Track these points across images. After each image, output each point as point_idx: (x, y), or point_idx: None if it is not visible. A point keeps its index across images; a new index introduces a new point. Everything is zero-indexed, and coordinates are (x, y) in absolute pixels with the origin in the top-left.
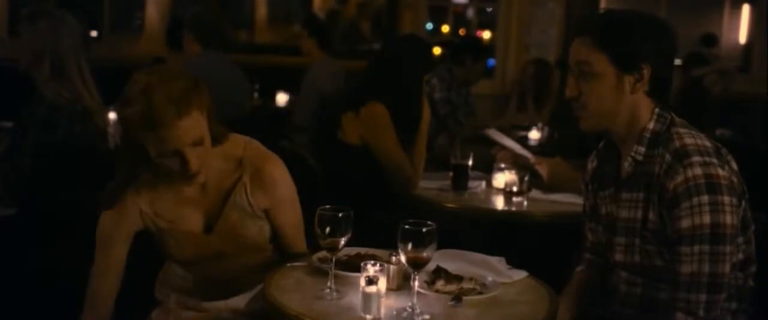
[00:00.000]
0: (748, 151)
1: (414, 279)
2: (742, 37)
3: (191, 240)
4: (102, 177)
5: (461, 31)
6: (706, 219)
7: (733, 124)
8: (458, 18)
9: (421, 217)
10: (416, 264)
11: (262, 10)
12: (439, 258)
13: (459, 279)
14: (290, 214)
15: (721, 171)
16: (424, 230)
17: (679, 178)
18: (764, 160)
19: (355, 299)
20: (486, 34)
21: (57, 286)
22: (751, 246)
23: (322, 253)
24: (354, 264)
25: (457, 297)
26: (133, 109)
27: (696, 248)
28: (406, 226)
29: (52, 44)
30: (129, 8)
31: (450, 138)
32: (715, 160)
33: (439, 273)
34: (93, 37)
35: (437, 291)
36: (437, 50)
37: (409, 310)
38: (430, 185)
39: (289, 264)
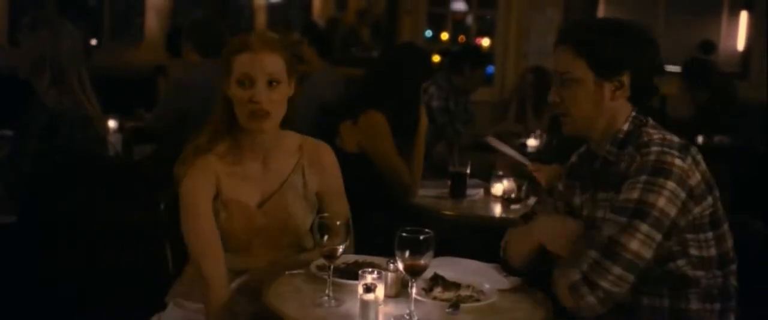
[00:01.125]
0: (746, 157)
1: (411, 287)
2: (741, 44)
3: (243, 213)
4: (101, 184)
5: (460, 38)
6: (635, 194)
7: (731, 130)
8: (457, 25)
9: (419, 225)
10: (414, 271)
11: (261, 18)
12: (435, 267)
13: (456, 286)
14: (340, 202)
15: (676, 161)
16: (421, 237)
17: (635, 164)
18: (763, 166)
19: (353, 307)
20: (485, 42)
21: (57, 291)
22: (726, 244)
23: (321, 261)
24: (352, 272)
25: (455, 305)
26: (235, 40)
27: (614, 216)
28: (404, 234)
29: (52, 52)
30: (129, 16)
31: (448, 146)
32: (674, 151)
33: (437, 280)
34: (93, 45)
35: (435, 298)
36: (436, 58)
37: (407, 317)
38: (429, 193)
39: (287, 272)
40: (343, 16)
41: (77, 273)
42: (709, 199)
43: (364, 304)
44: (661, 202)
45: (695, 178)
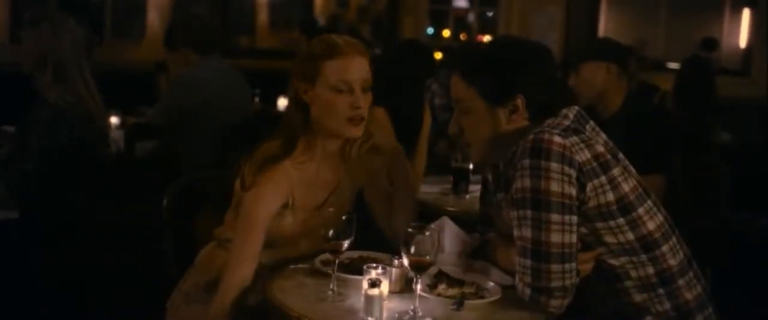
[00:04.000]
0: (747, 154)
1: (416, 283)
2: (743, 41)
3: (305, 216)
4: (103, 181)
5: (462, 36)
6: (526, 182)
7: (732, 128)
8: (459, 22)
9: (422, 221)
10: (419, 267)
11: (263, 15)
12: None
13: (461, 283)
14: (384, 198)
15: (556, 138)
16: (427, 233)
17: (519, 150)
18: (763, 164)
19: (357, 302)
20: (487, 39)
21: (58, 288)
22: (645, 227)
23: (325, 256)
24: (356, 267)
25: (459, 301)
26: (318, 44)
27: (520, 212)
28: (409, 230)
29: (54, 48)
30: (130, 13)
31: (450, 142)
32: (554, 130)
33: (441, 277)
34: (94, 42)
35: (439, 294)
36: (438, 55)
37: (411, 313)
38: (431, 189)
39: (291, 267)
40: (344, 13)
41: (78, 270)
42: (603, 178)
43: (369, 299)
44: (554, 186)
45: (583, 155)
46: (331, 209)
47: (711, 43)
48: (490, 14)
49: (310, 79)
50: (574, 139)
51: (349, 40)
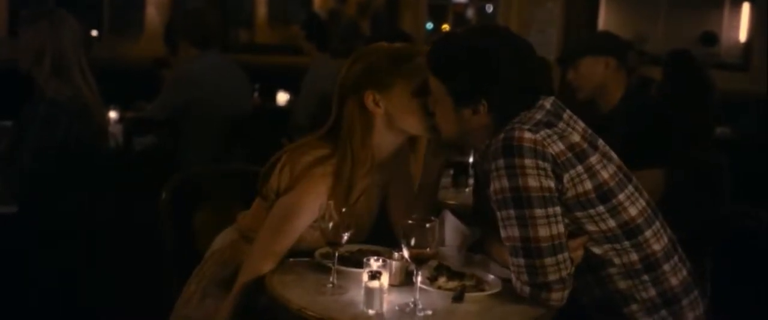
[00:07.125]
0: (747, 150)
1: (416, 275)
2: (742, 36)
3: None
4: (101, 175)
5: None
6: (505, 183)
7: (732, 122)
8: (458, 17)
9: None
10: (419, 259)
11: (262, 10)
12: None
13: (461, 275)
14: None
15: (526, 134)
16: (427, 226)
17: (491, 149)
18: (763, 159)
19: (357, 294)
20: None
21: (56, 282)
22: (626, 214)
23: (325, 249)
24: (356, 260)
25: (459, 294)
26: (376, 55)
27: (503, 213)
28: (409, 222)
29: (53, 42)
30: (129, 9)
31: None
32: (524, 126)
33: (441, 269)
34: (93, 38)
35: (439, 287)
36: None
37: (412, 306)
38: None
39: (291, 260)
40: (343, 8)
41: (76, 264)
42: (580, 168)
43: (369, 291)
44: (532, 182)
45: (557, 147)
46: (330, 202)
47: (710, 38)
48: (489, 9)
49: (384, 86)
50: (546, 132)
51: (397, 45)
